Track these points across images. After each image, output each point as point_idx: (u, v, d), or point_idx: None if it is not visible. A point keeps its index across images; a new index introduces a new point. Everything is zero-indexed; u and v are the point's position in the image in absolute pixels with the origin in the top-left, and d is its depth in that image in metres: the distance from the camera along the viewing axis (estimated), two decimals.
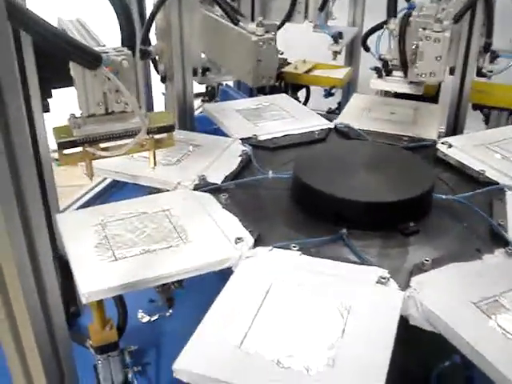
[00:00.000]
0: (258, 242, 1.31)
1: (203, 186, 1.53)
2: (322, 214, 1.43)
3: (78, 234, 1.32)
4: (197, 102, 3.15)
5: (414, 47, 1.72)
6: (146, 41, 1.85)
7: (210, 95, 3.17)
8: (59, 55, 1.18)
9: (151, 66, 2.20)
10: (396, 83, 2.22)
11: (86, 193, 2.16)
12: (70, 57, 1.18)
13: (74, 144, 1.32)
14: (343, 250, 1.33)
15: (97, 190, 2.18)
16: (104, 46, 1.36)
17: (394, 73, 2.29)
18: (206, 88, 3.21)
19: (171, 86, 1.99)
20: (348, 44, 2.81)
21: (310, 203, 1.47)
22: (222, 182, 1.56)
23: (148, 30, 1.83)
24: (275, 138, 1.85)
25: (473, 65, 2.07)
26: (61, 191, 2.69)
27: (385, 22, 2.14)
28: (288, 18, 2.60)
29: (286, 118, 1.99)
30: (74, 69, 1.27)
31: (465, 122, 2.18)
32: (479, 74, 2.18)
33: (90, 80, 1.28)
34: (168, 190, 1.53)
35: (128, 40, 1.44)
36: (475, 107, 2.40)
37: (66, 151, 1.34)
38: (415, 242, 1.38)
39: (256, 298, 1.12)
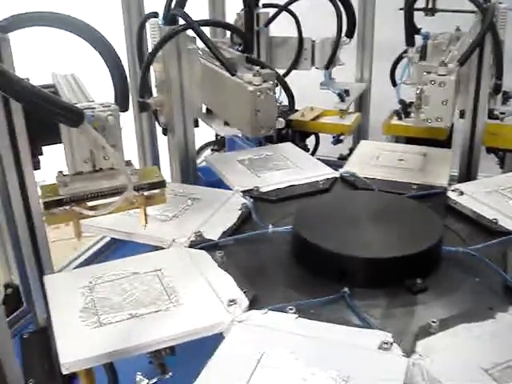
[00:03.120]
0: (252, 304, 1.23)
1: (199, 242, 1.46)
2: (323, 272, 1.35)
3: (64, 298, 1.26)
4: (207, 152, 3.12)
5: (418, 92, 1.66)
6: (143, 93, 1.82)
7: (220, 144, 3.14)
8: (40, 114, 1.15)
9: None
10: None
11: (88, 249, 2.10)
12: (50, 115, 1.14)
13: (60, 203, 1.27)
14: (344, 311, 1.24)
15: (99, 245, 2.12)
16: (93, 101, 1.32)
17: (413, 115, 2.31)
18: (216, 137, 3.18)
19: (173, 137, 1.95)
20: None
21: (310, 260, 1.39)
22: (219, 238, 1.49)
23: (144, 82, 1.80)
24: (278, 189, 1.78)
25: (484, 107, 2.00)
26: (67, 243, 2.64)
27: (404, 52, 2.21)
28: (295, 64, 2.58)
29: (289, 168, 1.93)
30: (61, 126, 1.24)
31: (478, 166, 2.09)
32: (491, 116, 2.11)
33: (76, 137, 1.24)
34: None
35: (120, 95, 1.40)
36: (489, 150, 2.31)
37: (53, 210, 1.30)
38: (423, 301, 1.29)
39: (245, 369, 1.03)
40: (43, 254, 1.51)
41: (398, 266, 1.33)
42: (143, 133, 2.23)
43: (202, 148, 3.18)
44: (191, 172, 1.98)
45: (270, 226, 1.51)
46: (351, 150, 2.91)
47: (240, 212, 1.62)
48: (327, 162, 2.06)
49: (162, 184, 1.34)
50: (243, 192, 1.75)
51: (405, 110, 2.38)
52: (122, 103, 1.38)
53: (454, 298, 1.30)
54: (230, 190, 1.79)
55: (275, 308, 1.21)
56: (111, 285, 1.30)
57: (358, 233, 1.41)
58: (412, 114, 2.36)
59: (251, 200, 1.69)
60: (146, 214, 1.34)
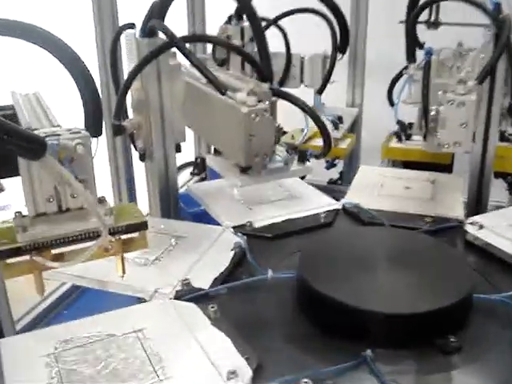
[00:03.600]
0: (257, 374, 1.00)
1: (187, 293, 1.23)
2: (339, 330, 1.12)
3: (24, 370, 1.02)
4: (184, 175, 2.89)
5: (433, 113, 1.46)
6: (119, 115, 1.58)
7: (200, 168, 2.91)
8: None
9: None
10: (416, 147, 2.12)
11: (50, 295, 1.80)
12: (3, 145, 0.91)
13: (18, 252, 1.04)
14: (368, 380, 1.02)
15: (64, 288, 1.82)
16: (58, 126, 1.10)
17: (414, 137, 2.15)
18: (196, 159, 2.95)
19: (151, 164, 1.72)
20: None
21: (321, 314, 1.16)
22: (211, 287, 1.26)
23: (121, 104, 1.56)
24: (274, 224, 1.56)
25: (496, 129, 1.81)
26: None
27: (405, 68, 1.98)
28: (282, 82, 2.37)
29: (285, 199, 1.71)
30: (19, 158, 1.01)
31: (489, 193, 1.90)
32: (502, 138, 1.94)
33: (37, 171, 1.01)
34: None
35: (92, 118, 1.18)
36: (497, 175, 2.13)
37: (9, 261, 1.06)
38: (459, 363, 1.07)
39: None
40: (3, 315, 1.27)
41: (428, 322, 1.12)
42: (117, 159, 1.99)
43: (178, 170, 2.94)
44: (173, 204, 1.75)
45: (270, 271, 1.29)
46: (342, 174, 2.72)
47: (233, 253, 1.39)
48: (318, 187, 1.86)
49: (142, 226, 1.11)
50: (234, 228, 1.52)
51: (404, 131, 2.20)
52: (94, 127, 1.17)
53: (493, 357, 1.08)
54: (219, 224, 1.57)
55: (286, 381, 0.98)
56: (82, 351, 1.05)
57: (375, 280, 1.20)
58: (413, 137, 2.18)
59: (244, 237, 1.46)
60: (123, 262, 1.11)
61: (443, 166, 2.15)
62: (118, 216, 1.10)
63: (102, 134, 1.24)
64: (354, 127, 2.60)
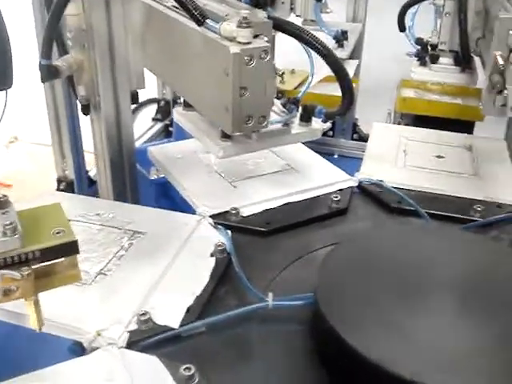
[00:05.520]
0: None
1: (146, 336, 0.80)
2: None
3: None
4: (143, 116, 2.41)
5: (501, 62, 1.02)
6: (48, 51, 1.10)
7: (163, 112, 2.43)
8: None
9: None
10: (444, 72, 1.77)
11: None
12: None
13: None
14: None
15: None
16: None
17: (441, 59, 1.77)
18: (158, 102, 2.47)
19: (97, 119, 1.25)
20: None
21: (357, 379, 0.75)
22: (182, 324, 0.83)
23: (51, 35, 1.08)
24: (269, 211, 1.12)
25: None
26: None
27: None
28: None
29: (281, 172, 1.26)
30: None
31: None
32: None
33: None
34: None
35: None
36: None
37: None
38: None
39: None
40: None
41: None
42: (58, 112, 1.51)
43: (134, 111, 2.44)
44: (128, 172, 1.30)
45: (270, 296, 0.86)
46: (334, 125, 2.29)
47: (213, 261, 0.96)
48: None
49: (69, 248, 0.66)
50: (214, 217, 1.08)
51: (427, 52, 1.78)
52: None
53: None
54: (191, 210, 1.13)
55: None
56: None
57: (441, 329, 0.78)
58: (441, 59, 1.76)
59: (229, 234, 1.03)
60: (38, 309, 0.67)
61: (464, 123, 1.73)
62: (31, 231, 0.65)
63: (11, 84, 0.79)
64: (354, 53, 2.12)
